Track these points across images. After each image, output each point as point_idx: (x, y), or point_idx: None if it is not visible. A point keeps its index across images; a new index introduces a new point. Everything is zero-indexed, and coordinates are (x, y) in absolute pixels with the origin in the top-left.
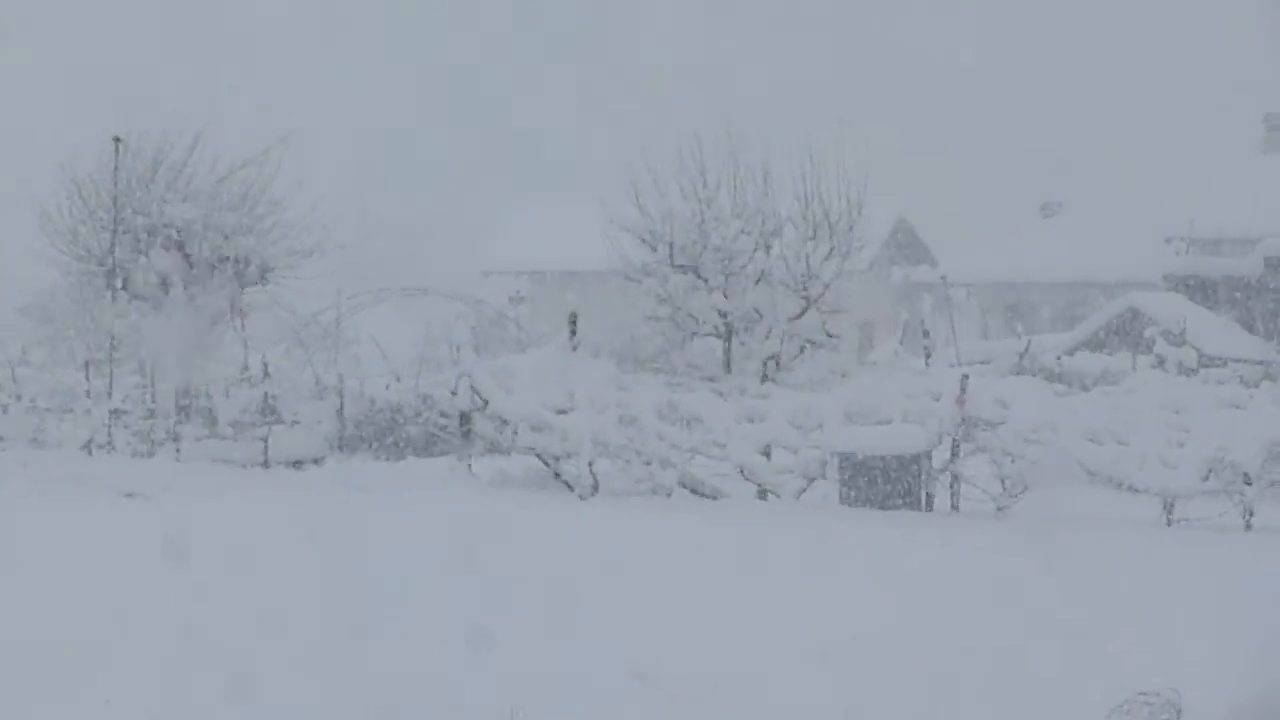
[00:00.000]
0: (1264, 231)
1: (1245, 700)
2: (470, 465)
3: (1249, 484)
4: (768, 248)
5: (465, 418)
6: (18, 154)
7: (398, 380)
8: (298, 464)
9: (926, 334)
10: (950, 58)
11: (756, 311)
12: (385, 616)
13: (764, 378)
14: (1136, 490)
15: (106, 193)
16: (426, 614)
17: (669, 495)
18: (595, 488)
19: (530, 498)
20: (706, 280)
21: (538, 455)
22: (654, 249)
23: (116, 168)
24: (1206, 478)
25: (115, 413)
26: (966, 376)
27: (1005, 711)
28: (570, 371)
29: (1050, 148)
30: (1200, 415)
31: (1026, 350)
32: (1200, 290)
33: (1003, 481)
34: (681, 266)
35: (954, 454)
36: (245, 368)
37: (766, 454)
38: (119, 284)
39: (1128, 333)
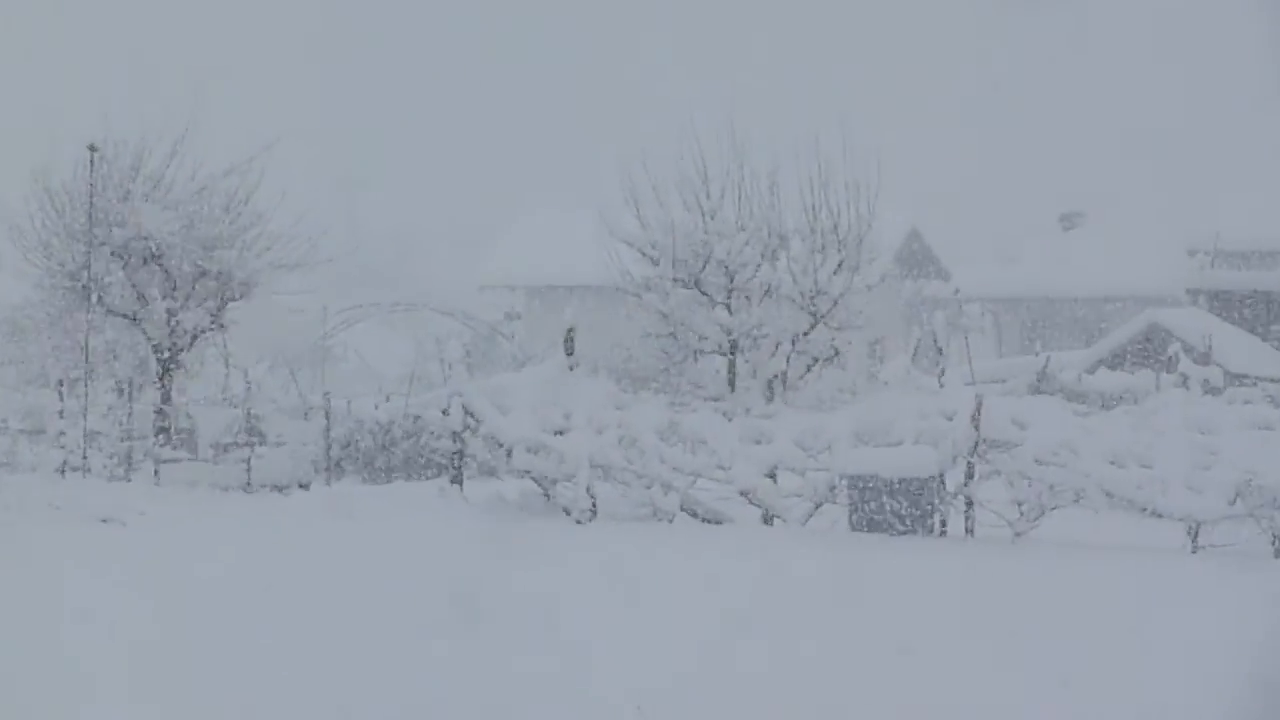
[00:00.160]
0: None
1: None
2: (463, 489)
3: (1279, 509)
4: (774, 261)
5: (458, 439)
6: None
7: (387, 399)
8: (282, 488)
9: (939, 351)
10: (965, 63)
11: (762, 328)
12: (364, 651)
13: (770, 397)
14: (1160, 515)
15: (81, 203)
16: (413, 644)
17: (670, 520)
18: (593, 512)
19: (526, 522)
20: (710, 295)
21: (533, 478)
22: (655, 262)
23: (92, 177)
24: (1233, 502)
25: (90, 434)
26: (981, 396)
27: None
28: (567, 391)
29: (1069, 156)
30: (1227, 436)
31: (1044, 368)
32: (1226, 305)
33: (1019, 506)
34: (684, 281)
35: (968, 477)
36: (226, 386)
37: (772, 477)
38: (94, 299)
39: (1150, 350)
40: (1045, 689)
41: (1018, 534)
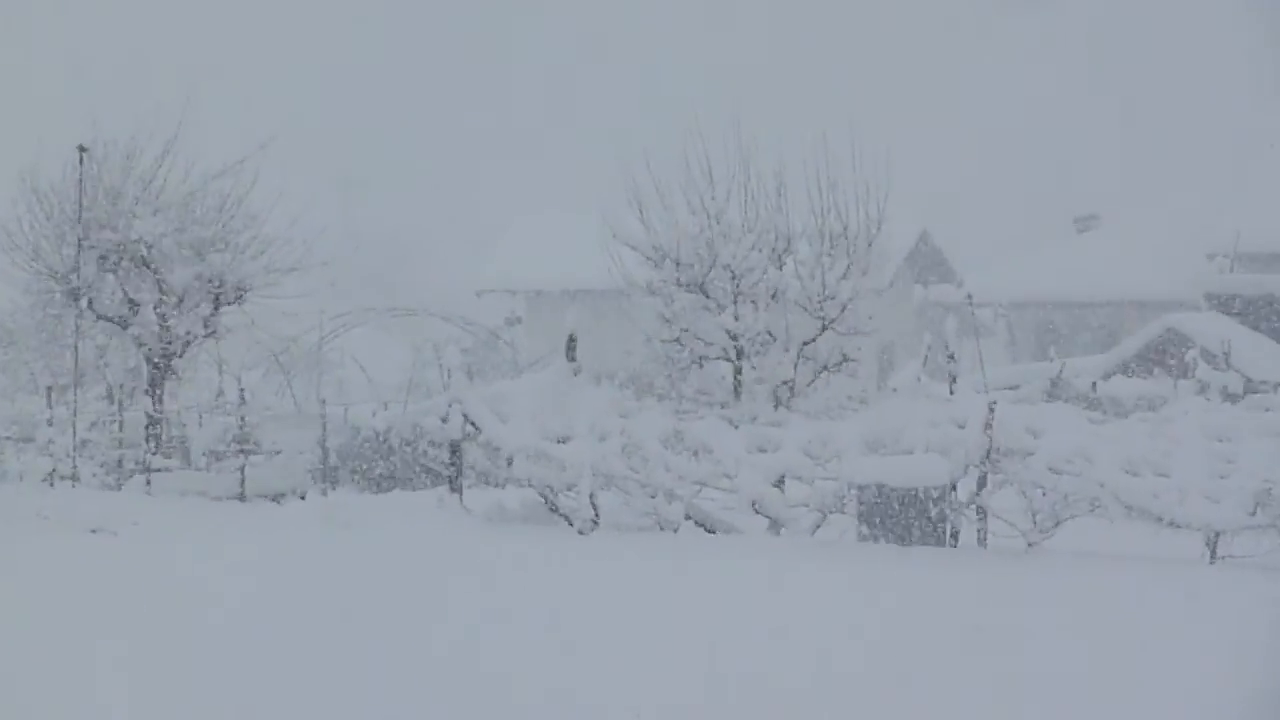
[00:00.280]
0: None
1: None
2: (462, 498)
3: None
4: (781, 264)
5: (457, 447)
6: None
7: (384, 407)
8: (277, 497)
9: (951, 357)
10: (975, 62)
11: (769, 333)
12: (358, 664)
13: (777, 404)
14: (1177, 525)
15: (70, 206)
16: (408, 657)
17: (675, 530)
18: (596, 522)
19: (527, 532)
20: (715, 299)
21: (535, 487)
22: (659, 266)
23: (81, 178)
24: (1253, 512)
25: (80, 442)
26: (994, 403)
27: None
28: (569, 397)
29: (1084, 157)
30: (1246, 444)
31: (1059, 375)
32: (1246, 310)
33: (1033, 516)
34: (688, 285)
35: (981, 486)
36: (220, 394)
37: (779, 486)
38: (84, 304)
39: (1168, 356)
40: (1060, 702)
41: (1031, 544)
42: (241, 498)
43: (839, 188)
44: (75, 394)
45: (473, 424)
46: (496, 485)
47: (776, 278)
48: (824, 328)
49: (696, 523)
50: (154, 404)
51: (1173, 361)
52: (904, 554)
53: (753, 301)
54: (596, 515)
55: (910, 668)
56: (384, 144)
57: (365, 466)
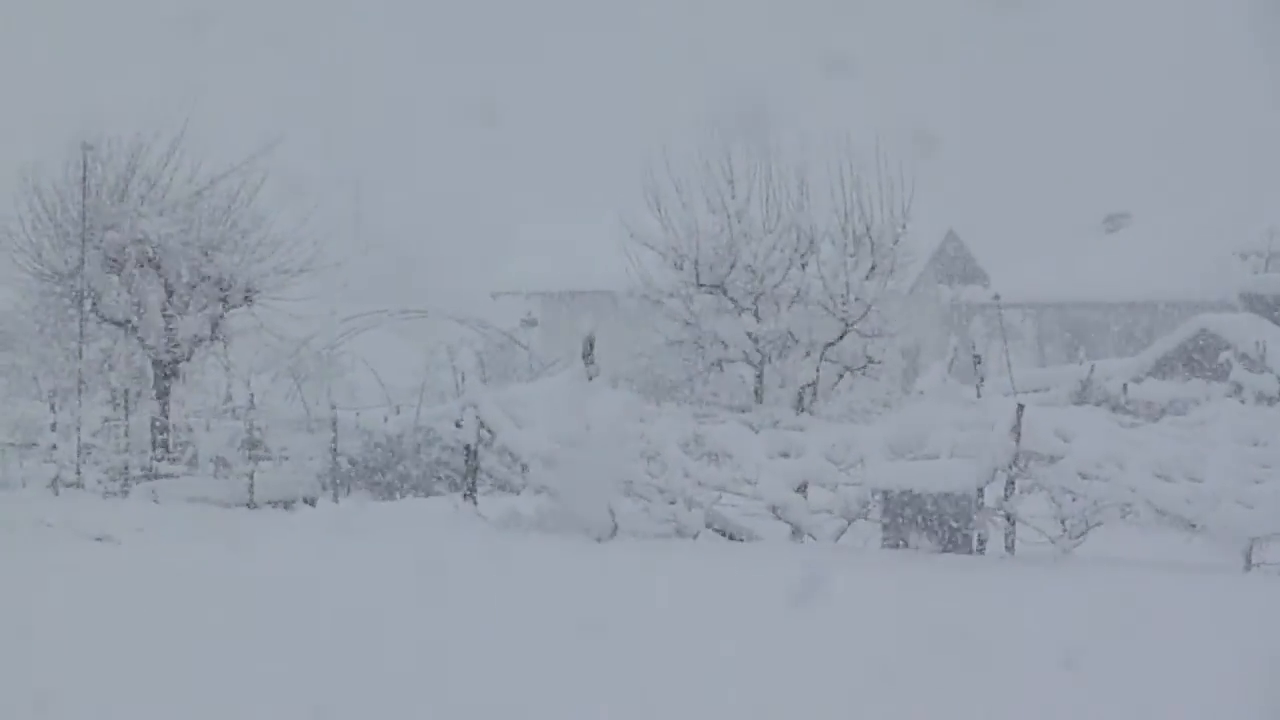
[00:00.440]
0: None
1: None
2: (476, 505)
3: None
4: (803, 265)
5: (471, 453)
6: None
7: (397, 411)
8: (287, 504)
9: (978, 360)
10: (1003, 58)
11: (791, 335)
12: (368, 676)
13: (799, 408)
14: (1211, 531)
15: (73, 205)
16: (418, 668)
17: (695, 537)
18: (614, 529)
19: (543, 540)
20: (736, 301)
21: (551, 494)
22: (678, 267)
23: (85, 177)
24: None
25: (84, 448)
26: (1022, 406)
27: None
28: (586, 402)
29: (1114, 153)
30: None
31: (1088, 377)
32: None
33: (1062, 522)
34: (708, 286)
35: (1008, 492)
36: (228, 398)
37: (802, 492)
38: (88, 306)
39: (1200, 357)
40: (1092, 713)
41: (1060, 551)
42: (250, 505)
43: (862, 186)
44: (79, 399)
45: (487, 429)
46: (512, 491)
47: (799, 278)
48: (847, 329)
49: (716, 530)
50: (160, 409)
51: (1206, 363)
52: (930, 561)
53: (774, 303)
54: (614, 522)
55: (938, 678)
56: (397, 144)
57: (377, 472)
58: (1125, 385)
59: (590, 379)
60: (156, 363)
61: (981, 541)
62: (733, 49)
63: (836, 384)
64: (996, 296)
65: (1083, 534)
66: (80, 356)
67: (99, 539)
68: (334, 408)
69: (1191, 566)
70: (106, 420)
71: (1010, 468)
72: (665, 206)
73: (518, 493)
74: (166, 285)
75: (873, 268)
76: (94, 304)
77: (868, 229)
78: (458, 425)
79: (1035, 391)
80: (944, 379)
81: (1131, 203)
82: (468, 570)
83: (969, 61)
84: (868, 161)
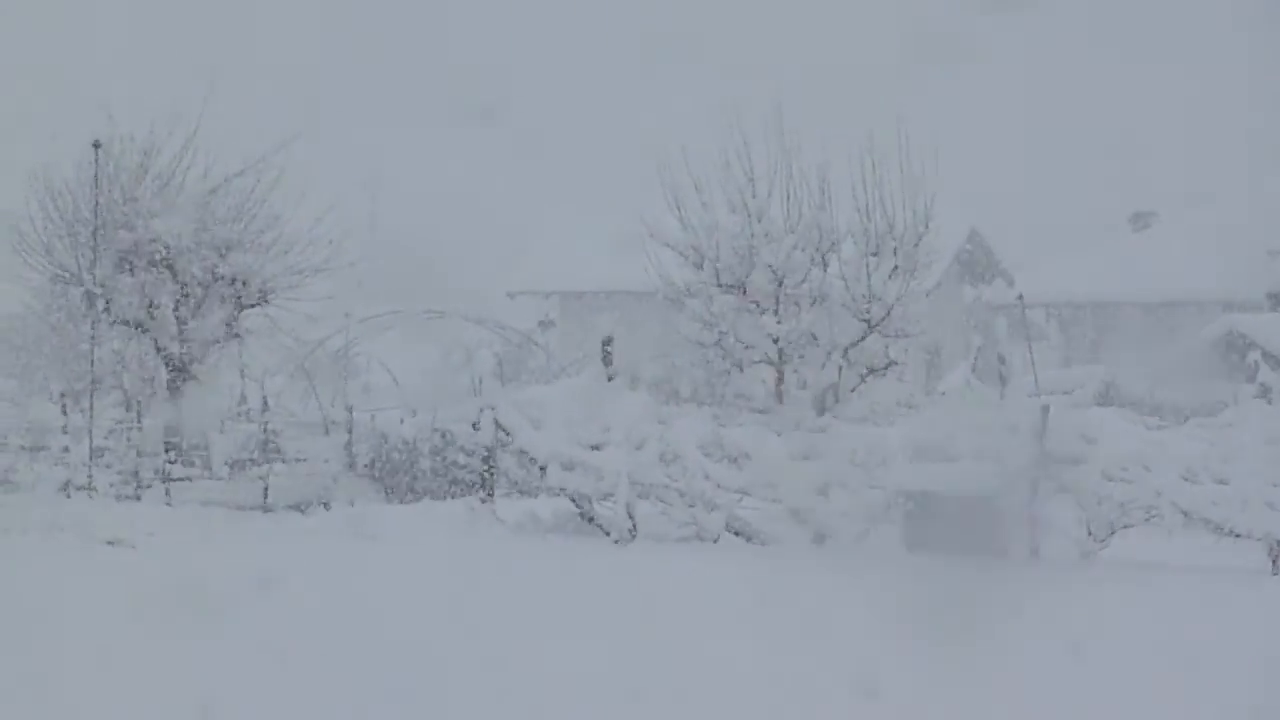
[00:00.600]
0: None
1: None
2: (494, 508)
3: None
4: (825, 265)
5: (488, 455)
6: None
7: (413, 413)
8: (301, 507)
9: (1002, 360)
10: (1025, 55)
11: (812, 336)
12: (387, 684)
13: (821, 410)
14: (1238, 534)
15: (85, 204)
16: (438, 675)
17: (715, 540)
18: (634, 532)
19: (562, 544)
20: (756, 301)
21: (569, 496)
22: (698, 267)
23: (97, 176)
24: None
25: (96, 451)
26: (1047, 408)
27: None
28: (605, 403)
29: (1140, 151)
30: None
31: (1114, 378)
32: None
33: (1087, 525)
34: (728, 286)
35: (1033, 494)
36: (243, 400)
37: (823, 494)
38: (100, 306)
39: (1228, 358)
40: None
41: (1085, 554)
42: (265, 508)
43: (885, 185)
44: (91, 400)
45: (505, 431)
46: (529, 494)
47: (820, 278)
48: (869, 330)
49: (737, 533)
50: (173, 411)
51: (1233, 364)
52: (953, 565)
53: (795, 303)
54: (634, 526)
55: (963, 685)
56: (413, 143)
57: (393, 475)
58: (1151, 387)
59: (609, 380)
60: (169, 364)
61: (1005, 545)
62: (741, 49)
63: (858, 385)
64: (1020, 296)
65: (1108, 537)
66: (93, 357)
67: (111, 543)
68: (349, 410)
69: (1218, 570)
70: (119, 422)
71: (1034, 470)
72: (684, 206)
73: (536, 495)
74: (180, 285)
75: (895, 268)
76: (106, 304)
77: (890, 228)
78: (475, 427)
79: (1060, 393)
80: (967, 380)
81: (1158, 201)
82: (484, 575)
83: (995, 59)
84: (889, 160)
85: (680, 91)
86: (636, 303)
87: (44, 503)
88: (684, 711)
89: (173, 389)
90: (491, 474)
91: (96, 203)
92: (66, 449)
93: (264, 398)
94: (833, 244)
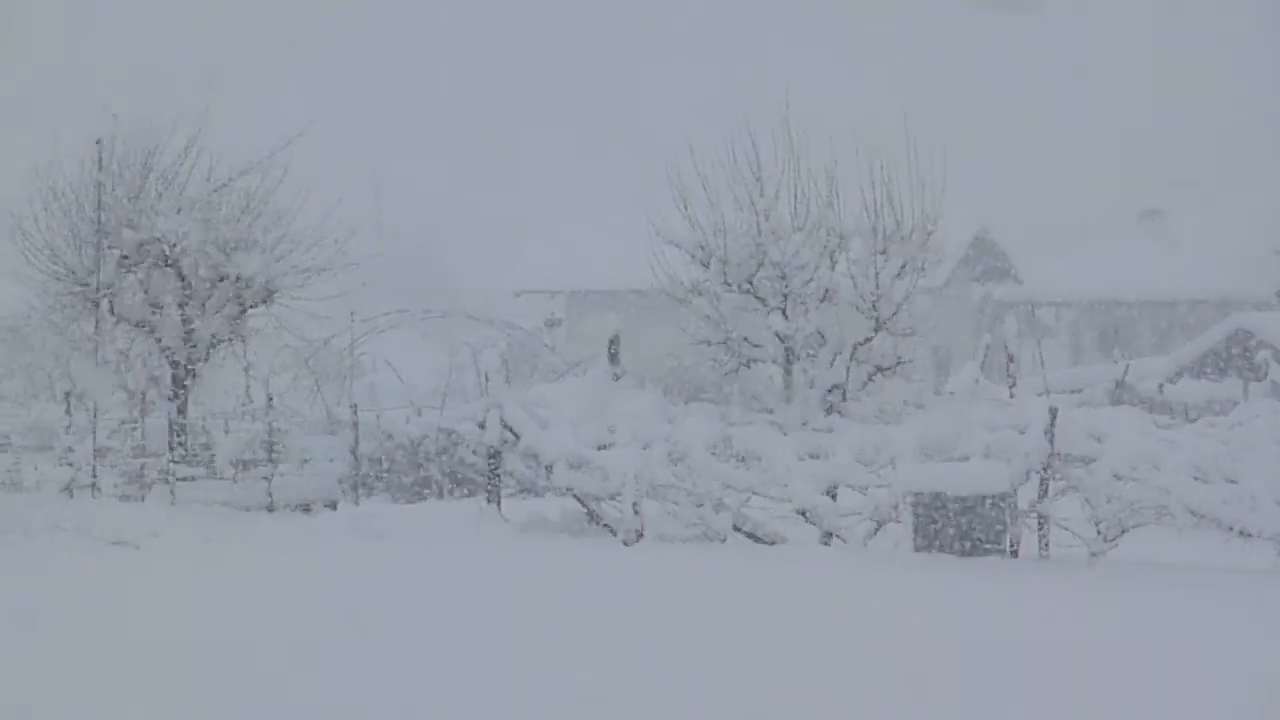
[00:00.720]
0: None
1: None
2: (500, 508)
3: None
4: (832, 263)
5: (494, 455)
6: None
7: (419, 413)
8: (307, 507)
9: (1011, 359)
10: (1037, 52)
11: (820, 335)
12: (393, 686)
13: (828, 409)
14: (1248, 534)
15: (89, 203)
16: (446, 676)
17: (723, 541)
18: (641, 533)
19: (569, 544)
20: (764, 300)
21: (576, 496)
22: (705, 265)
23: (100, 174)
24: None
25: (100, 451)
26: (1056, 407)
27: None
28: (612, 403)
29: (1150, 149)
30: None
31: (1123, 377)
32: None
33: (1097, 525)
34: (736, 285)
35: (1042, 494)
36: (247, 399)
37: (832, 494)
38: (104, 306)
39: (1238, 357)
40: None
41: (1095, 555)
42: (269, 508)
43: (893, 183)
44: (95, 401)
45: (511, 430)
46: (536, 494)
47: (828, 277)
48: (878, 328)
49: (744, 533)
50: (177, 410)
51: (1243, 363)
52: (962, 565)
53: (803, 302)
54: (641, 526)
55: (972, 686)
56: (418, 142)
57: (399, 475)
58: (1161, 385)
59: (616, 379)
60: (174, 363)
61: (1014, 545)
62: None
63: (866, 384)
64: (1029, 295)
65: (1118, 537)
66: (96, 357)
67: (115, 543)
68: (355, 409)
69: (1228, 570)
70: (123, 422)
71: (1044, 469)
72: (691, 203)
73: (542, 495)
74: (184, 284)
75: (903, 265)
76: (110, 304)
77: (898, 226)
78: (481, 427)
79: (1069, 391)
80: (976, 379)
81: (1167, 199)
82: (490, 574)
83: (1005, 58)
84: (898, 157)
85: (686, 89)
86: (643, 301)
87: (47, 503)
88: (684, 712)
89: (177, 388)
90: (498, 474)
91: (100, 201)
92: (70, 449)
93: (269, 397)
94: (840, 242)
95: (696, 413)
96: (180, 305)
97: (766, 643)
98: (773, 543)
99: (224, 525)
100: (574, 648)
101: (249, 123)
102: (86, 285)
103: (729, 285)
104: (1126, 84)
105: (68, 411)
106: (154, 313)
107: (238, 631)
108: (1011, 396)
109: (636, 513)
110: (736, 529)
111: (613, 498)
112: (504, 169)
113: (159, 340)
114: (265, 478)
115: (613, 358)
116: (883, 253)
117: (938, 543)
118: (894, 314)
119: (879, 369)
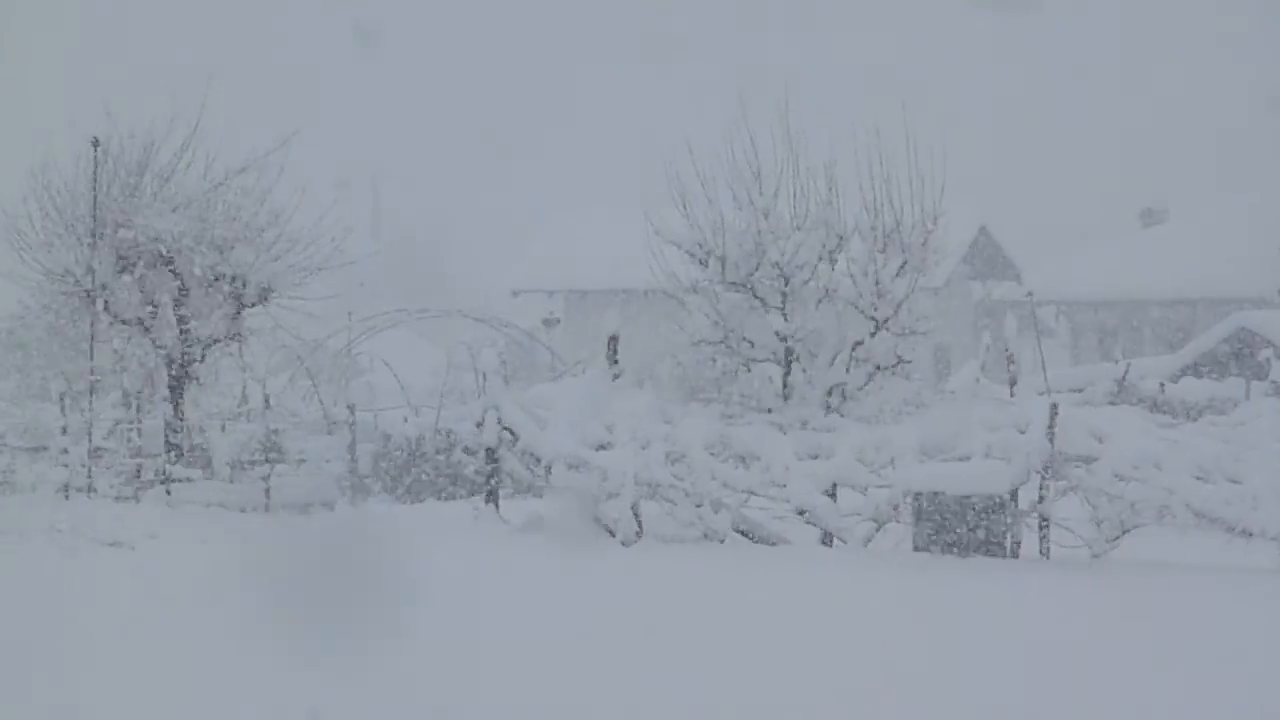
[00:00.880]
0: None
1: None
2: (498, 508)
3: None
4: (832, 262)
5: (492, 455)
6: None
7: (416, 413)
8: (304, 508)
9: (1011, 358)
10: (1036, 50)
11: (819, 334)
12: (391, 689)
13: (828, 409)
14: (1251, 534)
15: (84, 202)
16: (444, 676)
17: (722, 541)
18: (639, 533)
19: (567, 544)
20: (763, 299)
21: (575, 496)
22: (704, 264)
23: (96, 174)
24: None
25: (96, 452)
26: (1057, 406)
27: None
28: (610, 402)
29: (1150, 148)
30: None
31: (1124, 376)
32: None
33: (1098, 525)
34: (735, 284)
35: (1043, 494)
36: (244, 400)
37: (831, 495)
38: (99, 305)
39: (1240, 356)
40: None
41: (1096, 555)
42: (267, 509)
43: (893, 181)
44: (90, 401)
45: (509, 430)
46: (534, 495)
47: (828, 276)
48: (878, 328)
49: (743, 533)
50: (174, 411)
51: (1245, 361)
52: (962, 565)
53: (802, 301)
54: (639, 526)
55: (973, 687)
56: (415, 140)
57: (396, 475)
58: (1162, 384)
59: (614, 379)
60: (170, 364)
61: (1015, 545)
62: (752, 47)
63: (866, 384)
64: (1030, 293)
65: (1119, 537)
66: (92, 357)
67: (111, 544)
68: (352, 409)
69: (1230, 569)
70: (118, 423)
71: (1045, 469)
72: (690, 202)
73: (540, 496)
74: (180, 284)
75: (903, 265)
76: (106, 304)
77: (898, 224)
78: (479, 427)
79: (1070, 391)
80: (977, 378)
81: (1168, 197)
82: (489, 574)
83: (1005, 58)
84: (898, 156)
85: (685, 87)
86: (642, 301)
87: (43, 504)
88: (683, 712)
89: (173, 389)
90: (496, 474)
91: (95, 201)
92: (66, 450)
93: (265, 397)
94: (840, 241)
95: (695, 413)
96: (176, 305)
97: (766, 643)
98: (772, 543)
99: (221, 526)
100: (573, 648)
101: (246, 122)
102: (81, 285)
103: (728, 284)
104: (1126, 84)
105: (63, 412)
106: (150, 312)
107: (238, 631)
108: (1012, 396)
109: (635, 513)
110: (735, 529)
111: (611, 498)
112: (504, 169)
113: (155, 340)
114: (262, 478)
115: (611, 357)
116: (882, 251)
117: (938, 543)
118: (894, 313)
119: (879, 368)
